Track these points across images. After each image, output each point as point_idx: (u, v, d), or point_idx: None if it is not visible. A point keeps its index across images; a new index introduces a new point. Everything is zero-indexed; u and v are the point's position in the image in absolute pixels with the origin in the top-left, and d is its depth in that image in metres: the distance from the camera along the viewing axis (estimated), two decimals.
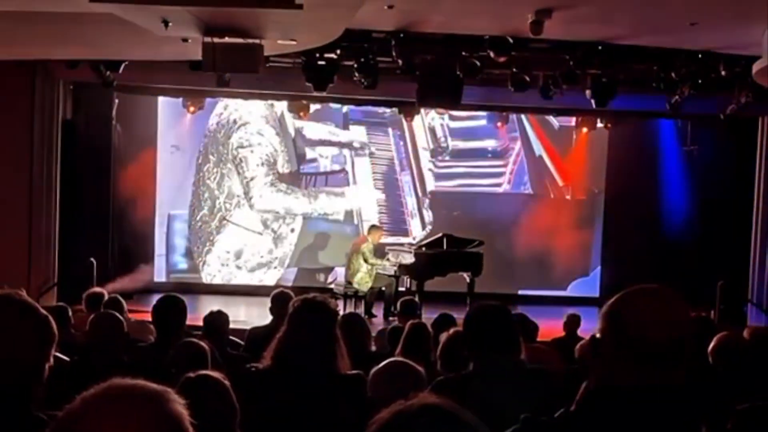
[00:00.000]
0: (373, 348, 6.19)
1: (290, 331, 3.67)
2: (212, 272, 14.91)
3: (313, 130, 15.11)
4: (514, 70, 11.29)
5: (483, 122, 15.01)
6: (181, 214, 14.93)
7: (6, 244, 11.63)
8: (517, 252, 14.83)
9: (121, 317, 5.10)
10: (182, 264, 14.99)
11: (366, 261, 12.49)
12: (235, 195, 14.92)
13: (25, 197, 11.94)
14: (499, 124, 14.76)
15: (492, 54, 9.87)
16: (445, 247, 12.77)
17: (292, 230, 15.06)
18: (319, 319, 3.66)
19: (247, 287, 14.31)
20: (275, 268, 15.01)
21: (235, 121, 14.83)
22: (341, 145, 15.21)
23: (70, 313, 7.17)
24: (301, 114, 14.07)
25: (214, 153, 14.86)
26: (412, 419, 1.42)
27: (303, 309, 3.70)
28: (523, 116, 15.11)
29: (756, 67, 8.76)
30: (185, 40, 8.21)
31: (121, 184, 13.73)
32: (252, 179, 14.89)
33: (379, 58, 10.91)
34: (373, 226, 13.31)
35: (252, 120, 14.86)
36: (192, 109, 13.78)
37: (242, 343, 6.47)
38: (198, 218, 14.91)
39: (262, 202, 14.95)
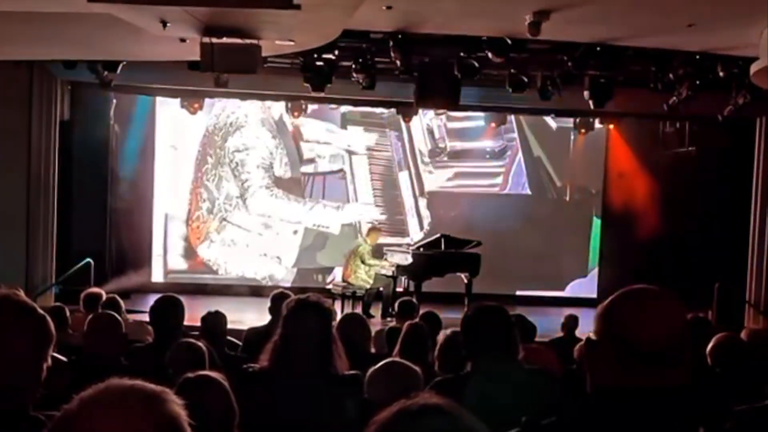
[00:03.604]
0: (373, 350, 6.18)
1: (285, 331, 3.67)
2: (210, 272, 14.90)
3: (312, 131, 15.11)
4: (513, 71, 11.30)
5: (481, 123, 15.03)
6: (178, 214, 14.92)
7: (4, 245, 11.62)
8: (515, 253, 14.83)
9: (118, 318, 5.11)
10: (180, 264, 14.98)
11: (363, 262, 12.49)
12: (233, 197, 14.91)
13: (22, 197, 11.92)
14: (493, 124, 14.77)
15: (490, 55, 9.86)
16: (442, 247, 12.78)
17: (295, 232, 15.05)
18: (313, 319, 3.66)
19: (246, 288, 14.29)
20: (274, 268, 15.00)
21: (232, 124, 14.83)
22: (339, 146, 15.21)
23: (68, 314, 7.16)
24: (296, 114, 14.05)
25: (212, 155, 14.86)
26: (413, 419, 1.42)
27: (297, 309, 3.70)
28: (521, 117, 15.11)
29: (754, 69, 8.76)
30: (183, 40, 8.21)
31: (119, 184, 13.72)
32: (246, 181, 14.88)
33: (378, 59, 10.92)
34: (372, 228, 13.31)
35: (249, 123, 14.85)
36: (193, 109, 13.76)
37: (240, 343, 6.47)
38: (196, 218, 14.91)
39: (258, 206, 14.92)
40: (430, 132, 15.37)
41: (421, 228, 15.32)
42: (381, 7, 8.20)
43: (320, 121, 15.07)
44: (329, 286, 13.65)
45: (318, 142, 15.15)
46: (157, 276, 14.67)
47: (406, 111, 13.60)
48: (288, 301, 3.83)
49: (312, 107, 14.17)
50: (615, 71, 10.95)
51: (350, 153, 15.25)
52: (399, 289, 12.62)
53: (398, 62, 10.38)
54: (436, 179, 15.43)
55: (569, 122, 14.85)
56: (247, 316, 10.72)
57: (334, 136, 15.19)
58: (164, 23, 7.20)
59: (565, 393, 3.50)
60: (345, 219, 15.12)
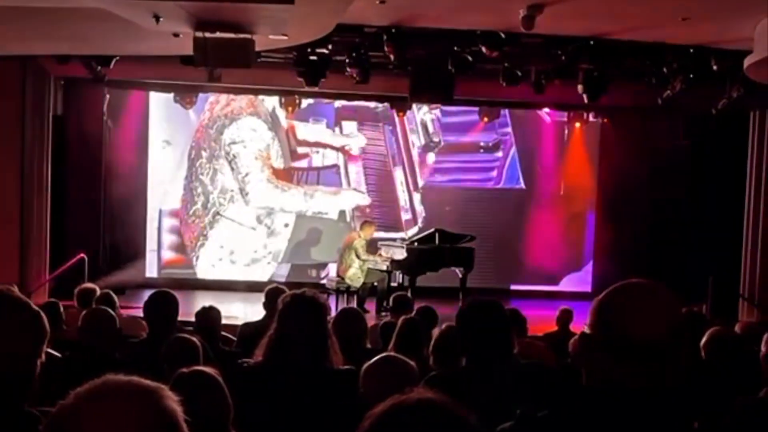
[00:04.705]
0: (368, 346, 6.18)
1: (280, 326, 3.67)
2: (205, 267, 14.88)
3: (305, 126, 15.09)
4: (507, 65, 11.30)
5: (475, 117, 15.02)
6: (172, 209, 14.90)
7: None
8: (509, 247, 14.84)
9: (113, 313, 5.11)
10: (174, 260, 14.95)
11: (358, 257, 12.46)
12: (228, 190, 14.89)
13: (16, 193, 11.88)
14: (486, 118, 14.74)
15: (484, 49, 9.86)
16: (437, 242, 12.78)
17: (286, 225, 15.05)
18: (308, 314, 3.66)
19: (240, 283, 14.27)
20: (268, 263, 14.99)
21: (226, 116, 14.80)
22: (333, 140, 15.19)
23: (62, 310, 7.15)
24: (290, 109, 14.03)
25: (206, 148, 14.83)
26: (408, 413, 1.42)
27: (292, 304, 3.70)
28: (515, 111, 15.11)
29: (747, 62, 8.78)
30: (176, 35, 8.19)
31: (113, 179, 13.69)
32: (246, 175, 14.87)
33: (371, 53, 10.90)
34: (365, 222, 13.28)
35: (244, 115, 14.83)
36: (186, 104, 13.72)
37: (234, 338, 6.46)
38: (191, 213, 14.89)
39: (257, 198, 14.91)
40: (424, 126, 15.37)
41: (416, 223, 15.32)
42: (375, 2, 8.20)
43: (314, 116, 15.06)
44: (324, 282, 13.65)
45: (311, 137, 15.13)
46: (152, 271, 14.64)
47: (400, 105, 13.60)
48: (283, 296, 3.83)
49: (306, 102, 14.15)
50: (609, 65, 10.96)
51: (344, 148, 15.23)
52: (393, 284, 12.62)
53: (392, 56, 10.36)
54: (431, 174, 15.43)
55: (564, 116, 14.85)
56: (242, 311, 10.73)
57: (328, 131, 15.17)
58: (157, 18, 7.18)
59: (559, 386, 3.50)
60: (342, 204, 15.11)
